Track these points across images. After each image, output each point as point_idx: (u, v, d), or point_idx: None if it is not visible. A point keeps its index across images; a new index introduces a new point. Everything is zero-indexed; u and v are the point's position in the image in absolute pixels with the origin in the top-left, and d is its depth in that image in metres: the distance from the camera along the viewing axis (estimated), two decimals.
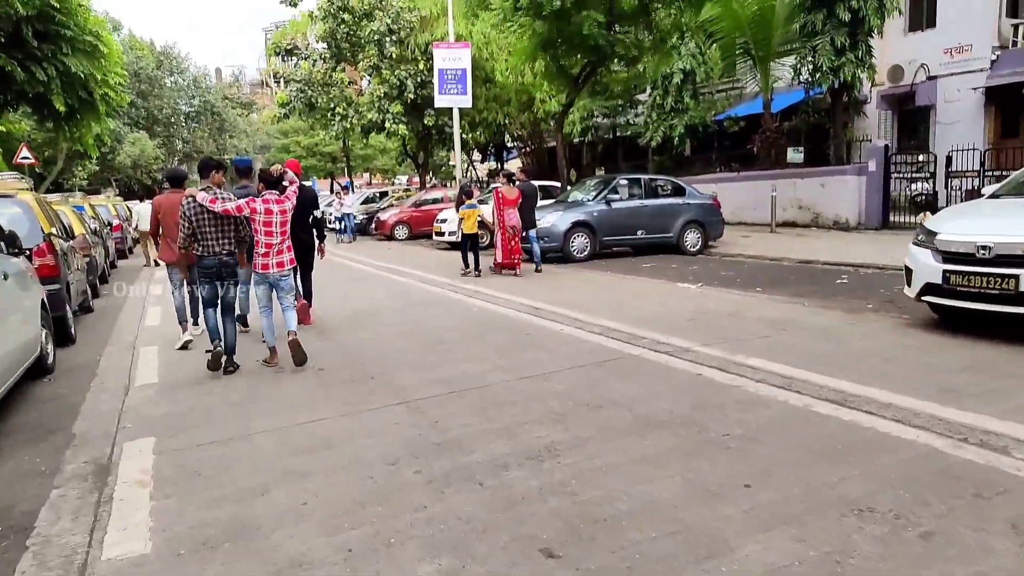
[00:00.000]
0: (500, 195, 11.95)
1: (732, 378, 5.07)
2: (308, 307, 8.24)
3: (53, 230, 8.25)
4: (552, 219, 13.45)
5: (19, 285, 5.89)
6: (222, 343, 6.14)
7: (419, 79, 21.48)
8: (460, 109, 20.47)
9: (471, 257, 12.01)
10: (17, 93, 12.83)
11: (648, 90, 22.38)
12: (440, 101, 19.95)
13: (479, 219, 12.36)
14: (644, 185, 14.39)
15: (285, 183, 6.36)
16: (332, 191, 47.55)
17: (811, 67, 16.83)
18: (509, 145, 33.11)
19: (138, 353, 7.26)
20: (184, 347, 7.27)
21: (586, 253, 13.48)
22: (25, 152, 18.95)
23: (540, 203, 17.11)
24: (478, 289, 10.12)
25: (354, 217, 21.60)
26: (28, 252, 7.33)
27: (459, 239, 12.80)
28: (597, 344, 6.41)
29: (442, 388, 5.24)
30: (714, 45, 21.10)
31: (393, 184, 46.64)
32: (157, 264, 17.38)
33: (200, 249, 6.09)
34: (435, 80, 19.76)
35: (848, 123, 19.45)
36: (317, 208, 8.45)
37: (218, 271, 6.11)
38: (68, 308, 7.88)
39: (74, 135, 15.00)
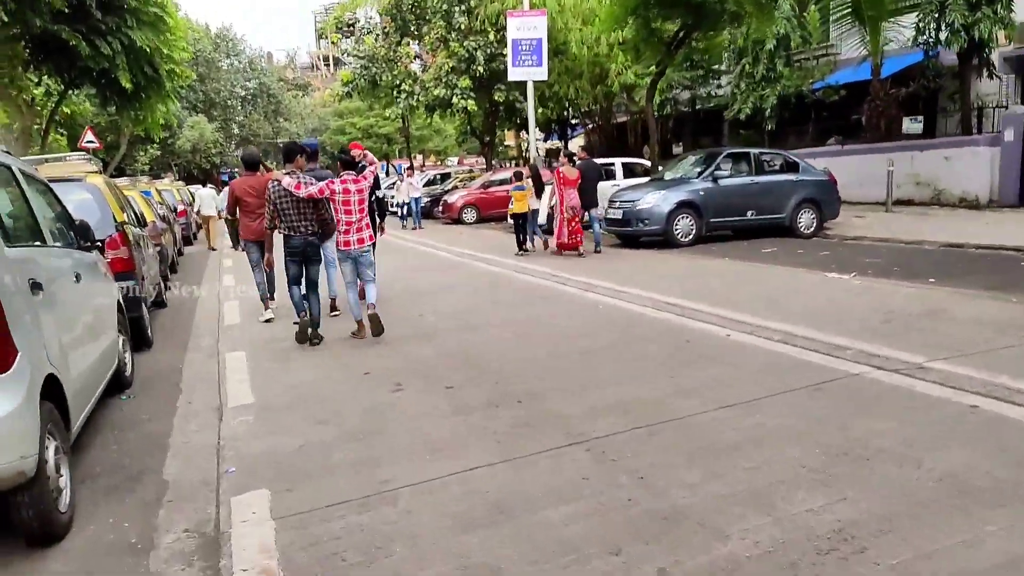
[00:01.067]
0: (561, 175, 11.49)
1: None
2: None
3: (125, 218, 7.33)
4: (653, 199, 12.10)
5: (94, 285, 4.92)
6: (307, 314, 6.55)
7: (488, 51, 20.16)
8: (534, 83, 19.11)
9: (522, 236, 12.45)
10: (81, 70, 12.06)
11: (734, 59, 20.61)
12: (514, 74, 18.59)
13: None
14: (753, 160, 12.87)
15: (363, 164, 6.63)
16: (387, 173, 46.71)
17: (934, 25, 14.96)
18: (574, 122, 31.62)
19: (224, 360, 6.28)
20: (268, 321, 7.64)
21: (691, 237, 12.11)
22: (90, 136, 18.38)
23: (629, 182, 15.85)
24: (591, 281, 8.89)
25: (420, 201, 20.43)
26: (100, 244, 6.42)
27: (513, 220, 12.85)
28: (789, 357, 5.12)
29: (621, 420, 4.06)
30: (811, 6, 19.25)
31: (445, 165, 45.65)
32: (214, 249, 17.01)
33: (286, 230, 6.44)
34: (508, 51, 18.41)
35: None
36: (379, 189, 8.66)
37: (304, 250, 6.49)
38: (144, 308, 6.97)
39: (139, 116, 14.22)
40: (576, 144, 28.56)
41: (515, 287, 9.12)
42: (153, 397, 5.37)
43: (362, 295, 6.70)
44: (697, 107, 23.95)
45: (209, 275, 12.85)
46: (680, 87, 23.12)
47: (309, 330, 6.47)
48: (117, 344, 5.28)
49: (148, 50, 12.31)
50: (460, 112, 21.75)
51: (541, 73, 18.73)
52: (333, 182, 6.31)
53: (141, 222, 8.85)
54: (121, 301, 5.85)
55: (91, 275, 4.87)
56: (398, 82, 21.42)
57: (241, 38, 49.50)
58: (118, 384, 5.38)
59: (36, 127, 14.76)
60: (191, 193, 26.92)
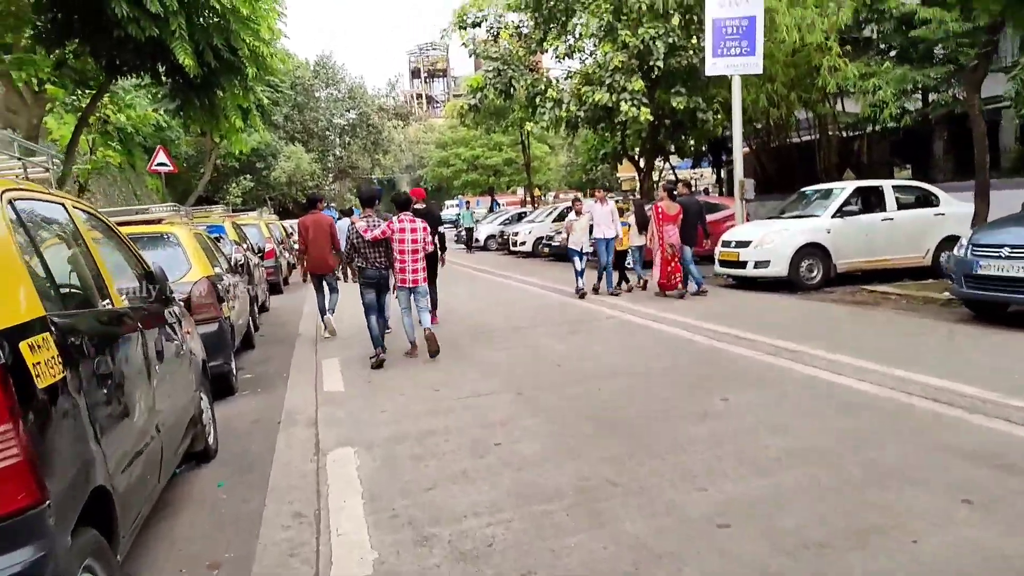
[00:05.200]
0: (660, 211, 10.86)
1: None
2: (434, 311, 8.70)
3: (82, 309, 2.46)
4: None
5: None
6: (383, 352, 7.20)
7: (670, 41, 15.02)
8: (733, 81, 13.83)
9: (616, 275, 11.84)
10: (124, 45, 7.73)
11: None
12: (714, 67, 13.48)
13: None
14: None
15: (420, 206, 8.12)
16: (491, 209, 41.90)
17: None
18: (729, 145, 26.04)
19: None
20: (331, 334, 8.99)
21: None
22: (162, 157, 14.54)
23: (904, 214, 10.56)
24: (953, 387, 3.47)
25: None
26: None
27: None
28: None
29: None
30: None
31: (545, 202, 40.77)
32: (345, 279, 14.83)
33: (364, 264, 7.30)
34: (708, 36, 13.35)
35: None
36: (441, 225, 9.19)
37: (379, 282, 7.33)
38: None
39: (212, 114, 9.79)
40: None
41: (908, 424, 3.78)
42: None
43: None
44: (931, 117, 18.02)
45: (300, 357, 8.15)
46: (912, 88, 17.24)
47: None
48: None
49: (219, 9, 7.78)
50: (626, 123, 16.61)
51: (754, 64, 13.54)
52: (392, 223, 7.11)
53: (161, 296, 4.05)
54: None
55: None
56: (541, 87, 16.61)
57: (341, 66, 46.79)
58: None
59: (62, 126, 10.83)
60: (284, 228, 23.09)
